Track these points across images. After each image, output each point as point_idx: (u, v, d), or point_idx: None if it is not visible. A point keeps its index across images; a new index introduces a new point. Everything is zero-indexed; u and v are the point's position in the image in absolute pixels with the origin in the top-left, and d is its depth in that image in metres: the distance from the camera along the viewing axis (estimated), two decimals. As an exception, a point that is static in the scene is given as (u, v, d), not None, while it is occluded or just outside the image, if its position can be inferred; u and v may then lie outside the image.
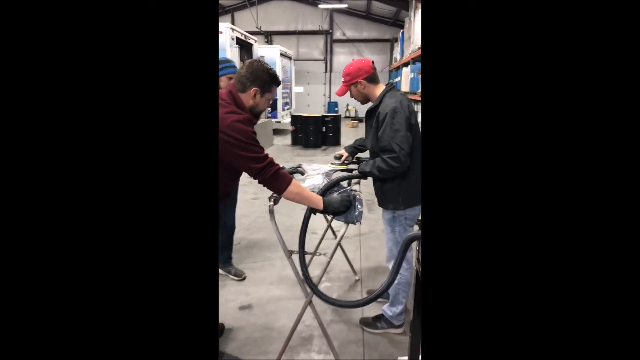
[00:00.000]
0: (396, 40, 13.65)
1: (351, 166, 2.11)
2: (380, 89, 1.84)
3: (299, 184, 1.60)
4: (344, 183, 1.87)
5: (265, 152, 1.51)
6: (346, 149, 2.16)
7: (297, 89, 13.01)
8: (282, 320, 2.18)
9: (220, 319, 2.17)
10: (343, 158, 2.12)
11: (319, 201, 1.59)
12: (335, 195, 1.64)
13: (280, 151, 8.11)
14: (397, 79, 12.72)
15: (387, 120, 1.72)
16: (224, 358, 1.83)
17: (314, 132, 8.51)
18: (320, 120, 8.63)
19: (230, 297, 2.45)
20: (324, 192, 1.68)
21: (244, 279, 2.68)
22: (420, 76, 8.68)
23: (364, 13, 15.54)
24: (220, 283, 2.58)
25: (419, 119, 2.94)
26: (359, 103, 1.94)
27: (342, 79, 1.84)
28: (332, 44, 16.40)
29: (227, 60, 2.42)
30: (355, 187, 1.94)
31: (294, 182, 1.54)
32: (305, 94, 16.52)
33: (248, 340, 2.03)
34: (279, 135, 10.40)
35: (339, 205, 1.59)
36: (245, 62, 1.61)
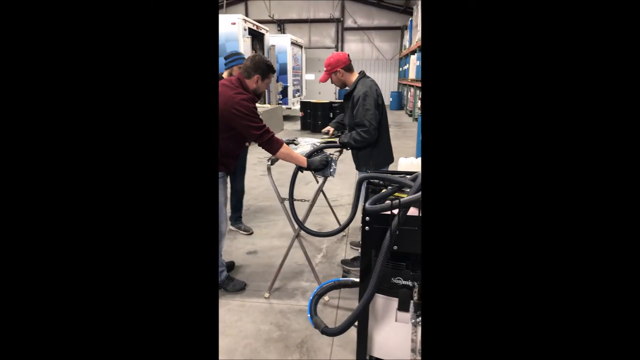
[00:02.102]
0: (406, 28, 13.86)
1: (336, 139, 2.63)
2: (354, 76, 2.35)
3: (289, 147, 2.14)
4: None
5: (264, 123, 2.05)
6: (331, 124, 2.68)
7: (308, 77, 13.41)
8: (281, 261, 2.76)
9: (231, 259, 2.75)
10: (330, 132, 2.66)
11: (304, 160, 2.13)
12: (316, 157, 2.18)
13: (290, 135, 8.64)
14: (406, 67, 13.03)
15: (359, 102, 2.24)
16: (234, 282, 2.40)
17: (322, 118, 9.00)
18: (328, 106, 9.11)
19: (240, 246, 3.04)
20: (309, 155, 2.22)
21: (252, 233, 3.26)
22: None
23: (374, 1, 15.75)
24: (231, 237, 3.17)
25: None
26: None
27: (325, 69, 2.36)
28: (344, 31, 16.69)
29: (238, 53, 2.95)
30: (336, 154, 2.47)
31: (285, 146, 2.08)
32: (317, 81, 16.90)
33: (253, 273, 2.62)
34: (289, 121, 10.92)
35: (318, 164, 2.13)
36: (249, 56, 2.15)
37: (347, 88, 2.38)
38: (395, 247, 1.33)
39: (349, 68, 2.34)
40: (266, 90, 8.91)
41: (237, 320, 2.11)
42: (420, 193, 1.30)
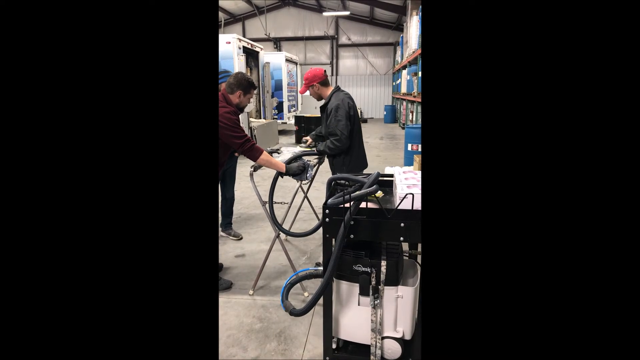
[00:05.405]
0: (398, 44, 14.30)
1: (313, 148, 2.86)
2: (329, 90, 2.59)
3: (269, 155, 2.36)
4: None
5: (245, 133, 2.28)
6: (310, 135, 2.92)
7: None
8: (266, 263, 2.94)
9: (220, 261, 2.94)
10: (308, 142, 2.89)
11: (282, 166, 2.34)
12: (294, 163, 2.40)
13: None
14: (399, 81, 13.39)
15: (332, 113, 2.47)
16: (221, 281, 2.59)
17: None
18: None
19: (229, 250, 3.23)
20: (288, 162, 2.43)
21: (241, 239, 3.45)
22: (413, 78, 9.34)
23: (367, 18, 16.24)
24: (221, 242, 3.36)
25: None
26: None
27: (304, 82, 2.60)
28: (338, 48, 17.16)
29: (226, 71, 3.20)
30: (314, 160, 2.68)
31: (265, 153, 2.30)
32: (312, 97, 17.31)
33: (239, 274, 2.80)
34: (284, 135, 11.20)
35: (295, 169, 2.35)
36: (233, 74, 2.39)
37: (323, 100, 2.62)
38: (351, 236, 1.53)
39: (324, 83, 2.58)
40: (262, 106, 9.24)
41: (222, 314, 2.28)
42: (369, 189, 1.51)
